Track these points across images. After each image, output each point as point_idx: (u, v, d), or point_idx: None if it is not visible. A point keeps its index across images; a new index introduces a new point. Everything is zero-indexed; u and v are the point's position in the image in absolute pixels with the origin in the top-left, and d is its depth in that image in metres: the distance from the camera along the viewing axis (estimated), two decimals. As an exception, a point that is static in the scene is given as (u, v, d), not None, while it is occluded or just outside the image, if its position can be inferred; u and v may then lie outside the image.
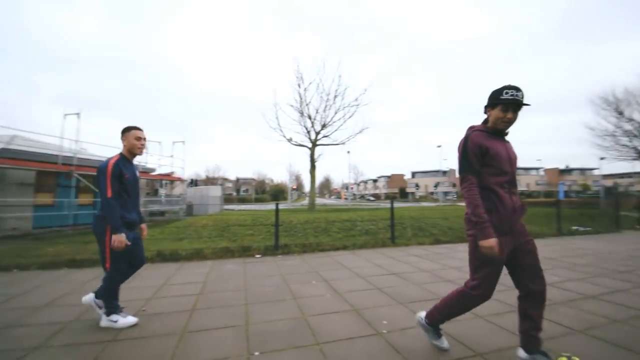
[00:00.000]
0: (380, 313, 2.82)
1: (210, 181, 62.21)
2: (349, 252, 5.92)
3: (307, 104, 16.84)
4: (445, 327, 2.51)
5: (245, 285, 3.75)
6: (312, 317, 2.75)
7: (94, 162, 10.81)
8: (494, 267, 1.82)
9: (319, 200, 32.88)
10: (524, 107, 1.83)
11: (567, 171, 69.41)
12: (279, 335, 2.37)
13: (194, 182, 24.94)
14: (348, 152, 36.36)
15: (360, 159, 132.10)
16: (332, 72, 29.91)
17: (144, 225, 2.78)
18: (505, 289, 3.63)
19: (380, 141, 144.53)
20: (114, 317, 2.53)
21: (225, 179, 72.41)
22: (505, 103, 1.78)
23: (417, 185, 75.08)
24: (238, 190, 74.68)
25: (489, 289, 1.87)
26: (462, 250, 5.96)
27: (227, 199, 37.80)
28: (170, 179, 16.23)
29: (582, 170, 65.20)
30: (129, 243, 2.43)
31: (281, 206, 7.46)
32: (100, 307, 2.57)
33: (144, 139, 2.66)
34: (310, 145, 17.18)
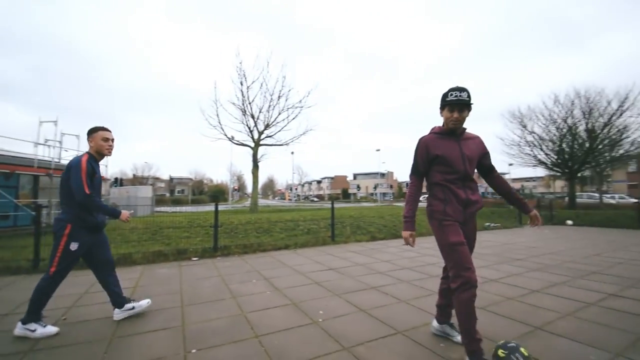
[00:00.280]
0: (317, 304, 3.01)
1: (138, 180, 56.49)
2: (290, 251, 6.05)
3: (249, 103, 16.49)
4: (374, 312, 2.81)
5: (181, 288, 3.62)
6: (251, 313, 2.81)
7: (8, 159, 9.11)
8: (456, 249, 1.87)
9: (262, 202, 32.33)
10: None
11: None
12: (217, 333, 2.39)
13: (118, 182, 22.28)
14: (292, 153, 36.66)
15: (305, 159, 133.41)
16: (277, 73, 29.73)
17: (127, 213, 2.72)
18: (426, 278, 4.15)
19: (325, 143, 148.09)
20: (32, 325, 2.29)
21: (157, 179, 66.36)
22: (451, 104, 1.93)
23: (358, 187, 78.63)
24: (172, 191, 69.01)
25: (465, 272, 1.82)
26: (394, 246, 6.56)
27: (160, 201, 34.75)
28: (90, 178, 14.28)
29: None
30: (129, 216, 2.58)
31: (222, 207, 7.20)
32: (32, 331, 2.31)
33: (112, 139, 2.62)
34: (253, 145, 16.84)
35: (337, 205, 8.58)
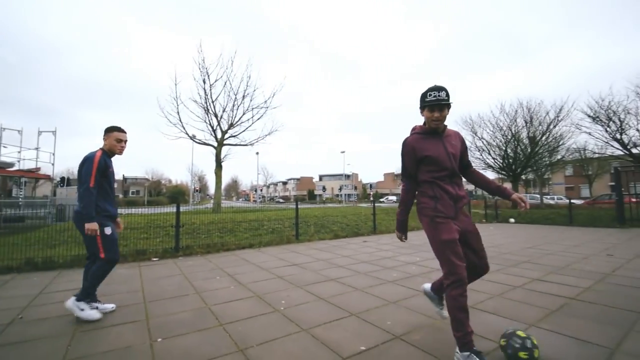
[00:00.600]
0: (279, 296, 3.21)
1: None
2: (254, 249, 6.16)
3: (212, 101, 16.08)
4: (332, 299, 3.07)
5: (143, 286, 3.60)
6: (216, 305, 2.93)
7: None
8: (449, 247, 1.94)
9: (225, 203, 31.43)
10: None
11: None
12: (182, 324, 2.49)
13: (64, 181, 20.40)
14: (257, 153, 36.21)
15: (271, 160, 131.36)
16: (242, 72, 29.21)
17: (119, 219, 2.85)
18: (381, 269, 4.51)
19: (292, 143, 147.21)
20: (82, 304, 2.54)
21: (110, 179, 61.31)
22: (430, 105, 1.94)
23: (324, 188, 79.42)
24: (126, 192, 64.42)
25: (456, 270, 1.89)
26: (355, 243, 6.94)
27: (113, 202, 32.28)
28: (33, 177, 12.98)
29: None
30: (98, 230, 2.53)
31: (183, 209, 7.04)
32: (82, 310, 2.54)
33: (125, 141, 2.80)
34: (215, 144, 16.44)
35: (302, 206, 8.80)
